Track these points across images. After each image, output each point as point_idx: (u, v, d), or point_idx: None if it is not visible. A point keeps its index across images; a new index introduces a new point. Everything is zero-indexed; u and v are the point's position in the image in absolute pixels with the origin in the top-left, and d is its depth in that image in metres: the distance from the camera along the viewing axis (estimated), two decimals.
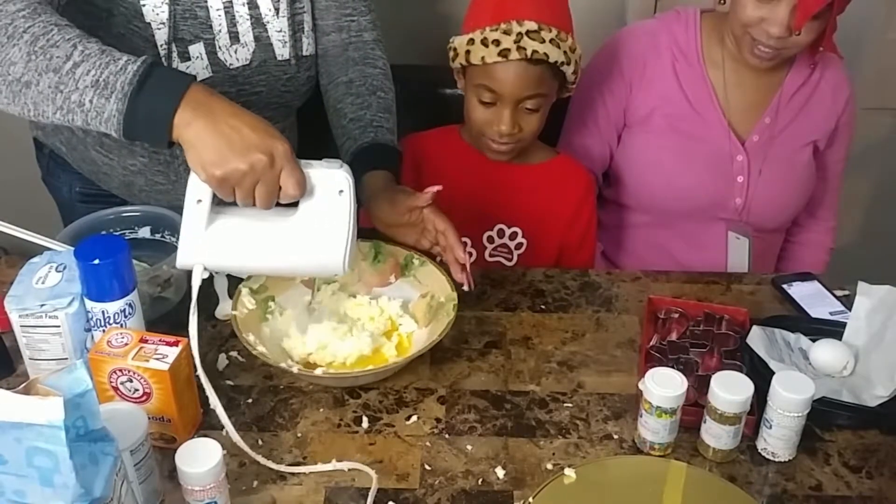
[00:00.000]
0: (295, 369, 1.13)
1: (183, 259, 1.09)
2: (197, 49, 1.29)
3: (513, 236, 1.52)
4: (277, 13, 1.34)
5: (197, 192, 1.06)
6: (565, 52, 1.35)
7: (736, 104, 1.61)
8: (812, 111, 1.63)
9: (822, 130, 1.66)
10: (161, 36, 1.25)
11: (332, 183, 1.07)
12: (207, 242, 1.08)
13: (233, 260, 1.11)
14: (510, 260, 1.54)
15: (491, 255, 1.54)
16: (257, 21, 1.33)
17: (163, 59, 1.27)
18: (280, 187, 1.04)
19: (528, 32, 1.33)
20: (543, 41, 1.33)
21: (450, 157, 1.52)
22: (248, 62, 1.33)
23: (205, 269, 1.10)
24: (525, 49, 1.33)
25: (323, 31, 1.43)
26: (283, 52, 1.36)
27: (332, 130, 1.44)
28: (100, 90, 1.01)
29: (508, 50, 1.34)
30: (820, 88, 1.63)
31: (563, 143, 1.73)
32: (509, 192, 1.52)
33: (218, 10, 1.29)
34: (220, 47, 1.31)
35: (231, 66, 1.32)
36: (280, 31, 1.35)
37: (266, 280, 1.26)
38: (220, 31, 1.30)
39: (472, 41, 1.38)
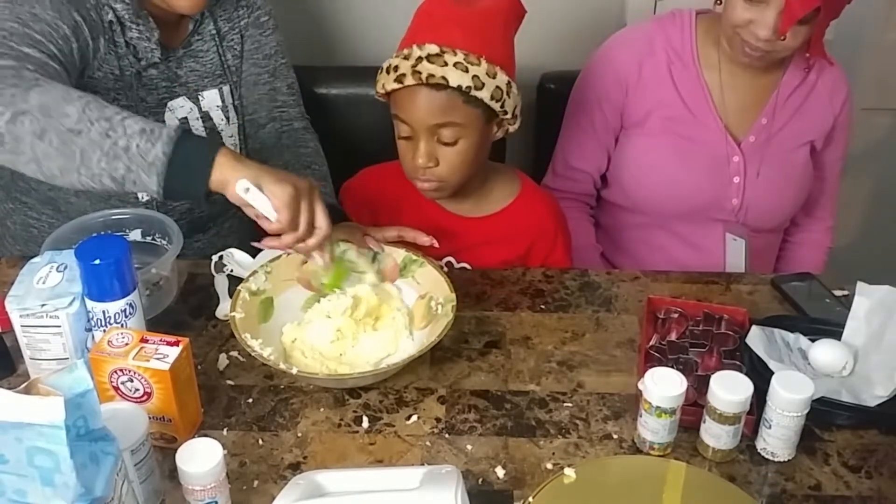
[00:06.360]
0: (294, 370, 1.13)
1: None
2: None
3: (461, 271, 1.46)
4: (228, 121, 1.55)
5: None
6: (475, 77, 1.26)
7: (732, 106, 1.62)
8: (809, 111, 1.64)
9: (820, 131, 1.66)
10: None
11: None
12: None
13: None
14: None
15: None
16: (212, 131, 1.53)
17: None
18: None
19: (428, 56, 1.26)
20: (445, 65, 1.25)
21: (404, 195, 1.44)
22: None
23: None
24: (420, 73, 1.26)
25: (258, 124, 1.61)
26: None
27: None
28: (146, 136, 1.08)
29: (404, 75, 1.27)
30: (817, 89, 1.63)
31: (559, 147, 1.73)
32: (461, 237, 1.45)
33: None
34: None
35: None
36: (231, 136, 1.56)
37: (265, 281, 1.26)
38: None
39: (380, 70, 1.33)
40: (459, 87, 1.26)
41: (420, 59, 1.27)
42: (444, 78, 1.26)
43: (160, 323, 1.23)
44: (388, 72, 1.31)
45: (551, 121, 1.79)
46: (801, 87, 1.63)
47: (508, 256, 1.47)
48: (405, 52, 1.29)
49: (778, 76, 1.62)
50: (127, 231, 1.34)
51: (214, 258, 1.35)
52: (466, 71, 1.26)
